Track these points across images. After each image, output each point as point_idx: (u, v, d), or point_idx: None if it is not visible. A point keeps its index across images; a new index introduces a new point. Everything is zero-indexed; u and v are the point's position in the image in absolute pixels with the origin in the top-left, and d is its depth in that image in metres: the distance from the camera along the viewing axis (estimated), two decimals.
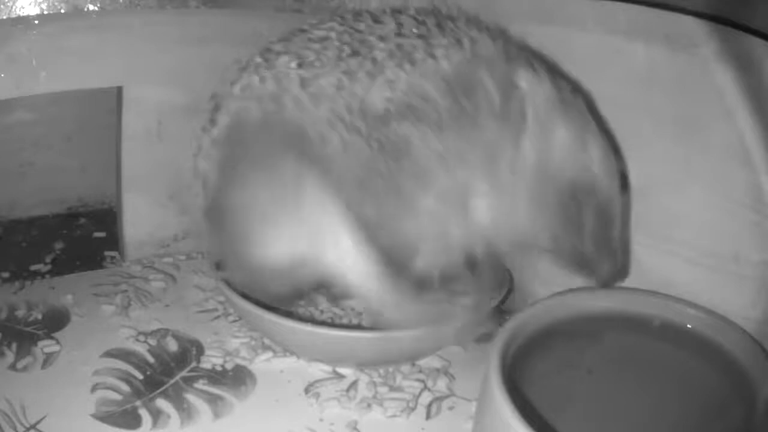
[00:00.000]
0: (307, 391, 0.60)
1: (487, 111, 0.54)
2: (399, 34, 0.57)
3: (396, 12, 0.60)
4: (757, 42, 0.52)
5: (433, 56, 0.55)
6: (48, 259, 0.79)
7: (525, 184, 0.55)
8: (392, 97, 0.55)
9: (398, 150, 0.54)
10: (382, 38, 0.57)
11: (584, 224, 0.55)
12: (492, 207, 0.56)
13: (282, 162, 0.57)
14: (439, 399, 0.61)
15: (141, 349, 0.65)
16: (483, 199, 0.56)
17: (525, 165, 0.55)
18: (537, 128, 0.54)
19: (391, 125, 0.54)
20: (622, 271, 0.60)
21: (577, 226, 0.55)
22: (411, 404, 0.59)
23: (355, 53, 0.56)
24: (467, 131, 0.55)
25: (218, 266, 0.65)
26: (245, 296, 0.64)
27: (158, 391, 0.59)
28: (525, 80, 0.54)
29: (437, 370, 0.64)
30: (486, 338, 0.70)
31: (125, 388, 0.59)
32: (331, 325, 0.68)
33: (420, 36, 0.57)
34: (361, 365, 0.63)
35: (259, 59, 0.60)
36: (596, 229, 0.55)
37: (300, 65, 0.57)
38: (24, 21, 0.69)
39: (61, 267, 0.78)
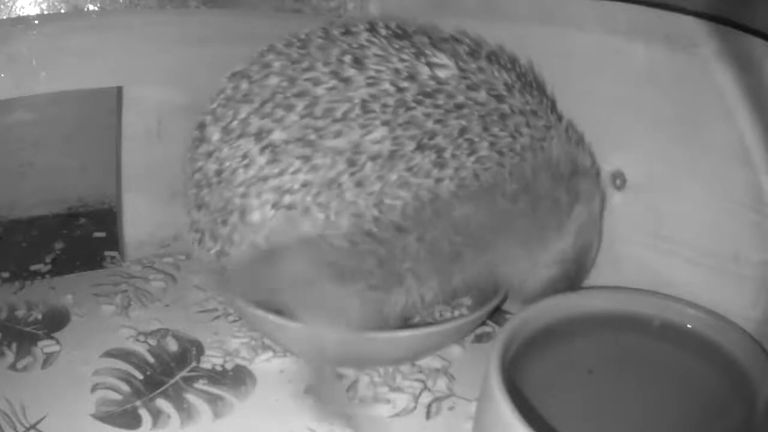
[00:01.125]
0: (307, 391, 0.60)
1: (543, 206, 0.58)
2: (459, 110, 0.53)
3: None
4: (757, 42, 0.52)
5: (499, 152, 0.54)
6: (48, 259, 0.79)
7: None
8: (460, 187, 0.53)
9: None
10: (445, 116, 0.53)
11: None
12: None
13: None
14: (439, 399, 0.61)
15: (141, 349, 0.65)
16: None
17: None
18: (577, 230, 0.61)
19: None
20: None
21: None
22: (411, 404, 0.59)
23: (420, 147, 0.52)
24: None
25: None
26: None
27: (158, 391, 0.59)
28: (586, 185, 0.60)
29: (437, 370, 0.64)
30: (486, 338, 0.70)
31: (125, 388, 0.59)
32: None
33: (484, 128, 0.54)
34: (361, 365, 0.63)
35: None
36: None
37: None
38: (24, 21, 0.69)
39: (61, 267, 0.78)
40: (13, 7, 0.69)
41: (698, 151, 0.58)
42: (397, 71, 0.53)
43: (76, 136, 0.88)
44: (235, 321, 0.70)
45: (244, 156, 0.52)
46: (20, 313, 0.69)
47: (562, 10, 0.66)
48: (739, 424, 0.49)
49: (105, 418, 0.56)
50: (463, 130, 0.53)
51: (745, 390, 0.50)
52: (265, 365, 0.63)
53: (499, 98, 0.55)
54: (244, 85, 0.55)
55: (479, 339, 0.70)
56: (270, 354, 0.64)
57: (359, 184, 0.51)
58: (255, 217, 0.52)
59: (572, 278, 0.63)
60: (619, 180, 0.65)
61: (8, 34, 0.67)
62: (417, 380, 0.62)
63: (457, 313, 0.70)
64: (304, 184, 0.51)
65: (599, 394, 0.52)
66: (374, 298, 0.56)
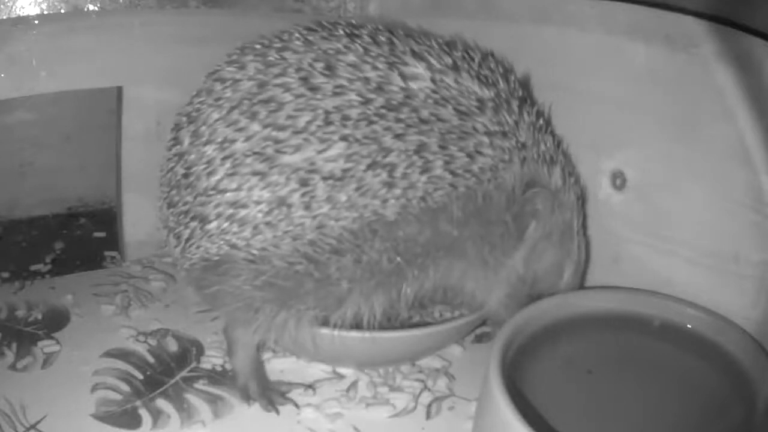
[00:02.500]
0: (307, 391, 0.60)
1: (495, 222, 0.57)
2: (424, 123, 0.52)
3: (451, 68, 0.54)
4: (757, 42, 0.52)
5: (453, 173, 0.53)
6: (48, 259, 0.79)
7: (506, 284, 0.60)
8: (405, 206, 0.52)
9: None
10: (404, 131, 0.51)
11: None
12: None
13: None
14: (439, 399, 0.61)
15: (141, 349, 0.65)
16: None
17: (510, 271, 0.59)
18: (531, 248, 0.59)
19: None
20: None
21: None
22: (411, 404, 0.59)
23: (372, 165, 0.51)
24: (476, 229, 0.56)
25: None
26: None
27: (158, 391, 0.59)
28: (542, 204, 0.57)
29: (437, 370, 0.64)
30: (486, 338, 0.70)
31: (125, 388, 0.59)
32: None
33: (442, 146, 0.52)
34: (361, 365, 0.63)
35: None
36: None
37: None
38: (24, 21, 0.69)
39: (61, 267, 0.78)
40: (13, 7, 0.69)
41: (698, 151, 0.58)
42: (367, 81, 0.52)
43: (76, 136, 0.88)
44: None
45: (208, 163, 0.52)
46: (20, 313, 0.69)
47: (562, 10, 0.66)
48: (739, 424, 0.49)
49: (105, 418, 0.56)
50: (420, 147, 0.51)
51: (745, 390, 0.50)
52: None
53: (465, 116, 0.53)
54: (218, 88, 0.54)
55: (479, 339, 0.70)
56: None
57: (307, 206, 0.51)
58: (211, 226, 0.52)
59: (530, 295, 0.60)
60: (619, 180, 0.65)
61: (8, 34, 0.67)
62: (417, 380, 0.62)
63: (457, 313, 0.70)
64: (257, 201, 0.51)
65: (599, 394, 0.52)
66: (311, 318, 0.56)
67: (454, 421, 0.58)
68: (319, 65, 0.52)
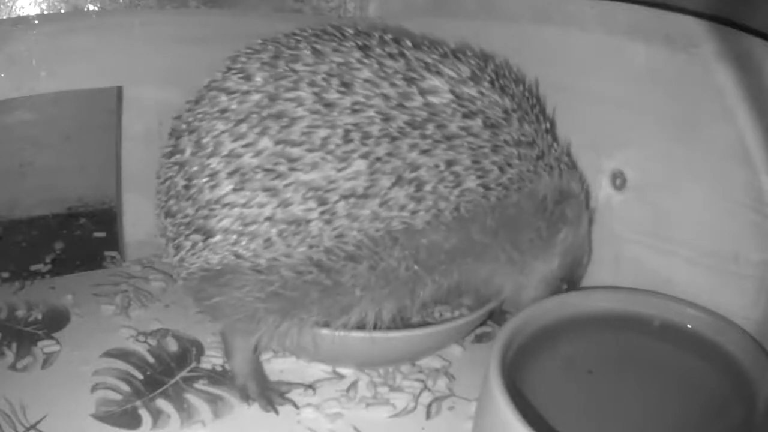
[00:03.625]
0: (307, 391, 0.60)
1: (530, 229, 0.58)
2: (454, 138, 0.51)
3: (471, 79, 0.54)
4: (757, 42, 0.52)
5: (485, 186, 0.53)
6: (48, 259, 0.79)
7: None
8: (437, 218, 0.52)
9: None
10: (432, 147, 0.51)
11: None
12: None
13: None
14: (439, 399, 0.61)
15: (141, 349, 0.65)
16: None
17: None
18: (563, 254, 0.62)
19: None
20: None
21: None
22: (411, 404, 0.59)
23: (398, 181, 0.50)
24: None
25: None
26: None
27: (158, 391, 0.59)
28: (572, 212, 0.60)
29: (437, 370, 0.64)
30: (486, 338, 0.70)
31: (125, 388, 0.59)
32: None
33: (475, 161, 0.52)
34: (361, 365, 0.63)
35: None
36: None
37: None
38: (24, 21, 0.69)
39: (61, 267, 0.78)
40: (13, 7, 0.69)
41: (698, 151, 0.58)
42: (386, 97, 0.51)
43: (76, 136, 0.88)
44: None
45: (212, 176, 0.50)
46: (20, 313, 0.69)
47: (562, 10, 0.66)
48: (739, 424, 0.49)
49: (105, 418, 0.56)
50: (450, 163, 0.51)
51: (745, 390, 0.50)
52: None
53: (494, 128, 0.53)
54: (223, 98, 0.52)
55: (479, 339, 0.70)
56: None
57: (328, 222, 0.50)
58: (216, 239, 0.51)
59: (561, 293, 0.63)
60: (619, 180, 0.65)
61: (8, 34, 0.67)
62: (417, 380, 0.62)
63: (457, 313, 0.70)
64: (270, 218, 0.49)
65: (599, 394, 0.52)
66: (313, 324, 0.56)
67: (454, 421, 0.58)
68: (334, 81, 0.51)
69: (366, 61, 0.52)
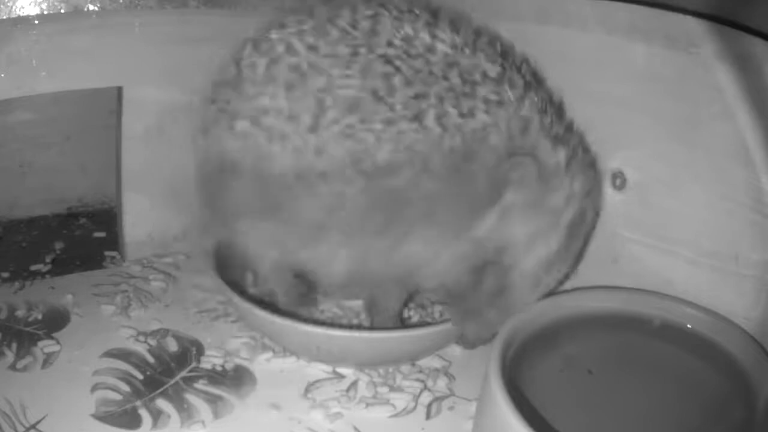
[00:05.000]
0: (307, 391, 0.60)
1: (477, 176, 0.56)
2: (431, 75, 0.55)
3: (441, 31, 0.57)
4: (757, 42, 0.52)
5: (443, 126, 0.54)
6: (48, 259, 0.79)
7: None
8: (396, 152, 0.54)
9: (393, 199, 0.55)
10: (412, 77, 0.54)
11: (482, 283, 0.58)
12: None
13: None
14: (439, 399, 0.61)
15: (141, 349, 0.65)
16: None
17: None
18: (500, 216, 0.56)
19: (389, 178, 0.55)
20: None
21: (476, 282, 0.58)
22: (411, 404, 0.59)
23: (377, 97, 0.54)
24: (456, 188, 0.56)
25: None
26: (245, 296, 0.64)
27: (158, 391, 0.59)
28: (521, 173, 0.55)
29: (437, 370, 0.64)
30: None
31: (125, 388, 0.59)
32: (331, 325, 0.68)
33: (450, 88, 0.54)
34: (361, 365, 0.63)
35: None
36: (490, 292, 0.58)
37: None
38: (24, 21, 0.69)
39: (61, 267, 0.78)
40: (13, 7, 0.69)
41: (698, 151, 0.58)
42: (398, 31, 0.56)
43: (76, 136, 0.88)
44: (235, 321, 0.70)
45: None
46: (20, 313, 0.69)
47: (562, 10, 0.66)
48: (739, 424, 0.49)
49: (105, 418, 0.56)
50: (419, 95, 0.54)
51: (745, 390, 0.50)
52: (265, 365, 0.64)
53: (468, 83, 0.55)
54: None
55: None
56: (270, 354, 0.64)
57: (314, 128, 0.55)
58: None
59: (492, 263, 0.57)
60: (619, 180, 0.65)
61: (8, 34, 0.67)
62: (417, 380, 0.62)
63: None
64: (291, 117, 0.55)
65: (599, 394, 0.52)
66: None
67: (454, 421, 0.58)
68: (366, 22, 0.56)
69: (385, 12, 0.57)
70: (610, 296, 0.60)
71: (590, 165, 0.60)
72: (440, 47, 0.56)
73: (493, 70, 0.56)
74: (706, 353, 0.55)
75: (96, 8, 0.72)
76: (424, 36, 0.56)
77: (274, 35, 0.58)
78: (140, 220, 0.79)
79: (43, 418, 0.55)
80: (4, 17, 0.69)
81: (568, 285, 0.62)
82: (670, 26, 0.57)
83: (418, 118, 0.53)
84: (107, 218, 0.86)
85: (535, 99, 0.57)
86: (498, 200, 0.55)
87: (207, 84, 0.63)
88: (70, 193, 0.90)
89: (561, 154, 0.56)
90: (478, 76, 0.56)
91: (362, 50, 0.55)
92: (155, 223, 0.80)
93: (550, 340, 0.55)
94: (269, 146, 0.56)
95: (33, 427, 0.54)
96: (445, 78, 0.55)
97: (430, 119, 0.54)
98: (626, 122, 0.63)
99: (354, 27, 0.56)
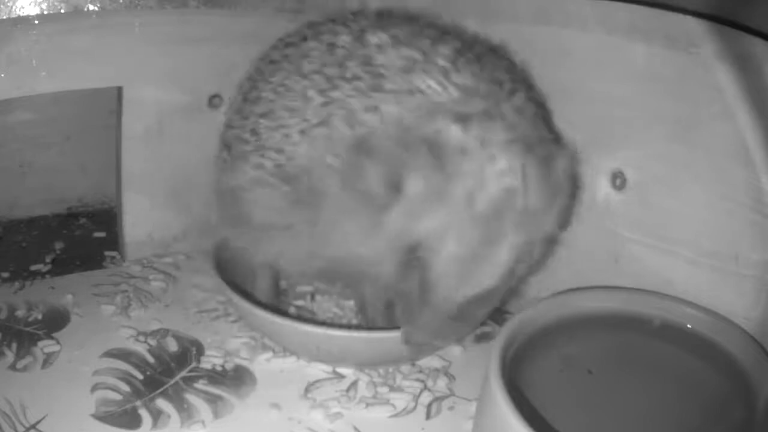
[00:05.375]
0: (307, 391, 0.60)
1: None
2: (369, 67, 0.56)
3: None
4: (757, 42, 0.52)
5: (351, 125, 0.55)
6: (48, 259, 0.79)
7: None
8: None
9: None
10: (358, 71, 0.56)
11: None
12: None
13: None
14: (439, 399, 0.61)
15: (141, 349, 0.65)
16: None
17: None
18: (406, 206, 0.54)
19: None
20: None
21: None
22: (411, 404, 0.59)
23: (293, 111, 0.58)
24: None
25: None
26: (246, 296, 0.64)
27: (158, 391, 0.59)
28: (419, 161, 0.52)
29: (437, 370, 0.64)
30: (486, 338, 0.70)
31: (125, 388, 0.59)
32: (331, 325, 0.68)
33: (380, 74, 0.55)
34: (361, 365, 0.63)
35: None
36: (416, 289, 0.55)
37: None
38: (24, 21, 0.69)
39: (61, 267, 0.78)
40: (13, 7, 0.69)
41: (698, 151, 0.58)
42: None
43: (76, 136, 0.88)
44: (235, 321, 0.70)
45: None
46: (20, 313, 0.69)
47: (562, 10, 0.66)
48: (739, 424, 0.49)
49: (105, 418, 0.56)
50: (327, 102, 0.56)
51: (745, 390, 0.50)
52: (265, 365, 0.64)
53: (377, 77, 0.56)
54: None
55: (479, 339, 0.70)
56: (270, 354, 0.64)
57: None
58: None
59: (413, 259, 0.54)
60: (619, 180, 0.65)
61: (8, 34, 0.67)
62: (417, 380, 0.62)
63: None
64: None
65: (599, 393, 0.52)
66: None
67: (454, 421, 0.58)
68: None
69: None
70: (610, 296, 0.60)
71: (539, 142, 0.54)
72: (342, 41, 0.58)
73: (402, 60, 0.56)
74: (706, 353, 0.54)
75: (96, 8, 0.72)
76: (347, 39, 0.58)
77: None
78: (140, 220, 0.79)
79: (43, 418, 0.55)
80: (4, 17, 0.69)
81: (567, 285, 0.62)
82: (670, 26, 0.57)
83: (325, 122, 0.55)
84: (107, 218, 0.86)
85: (459, 82, 0.54)
86: (398, 192, 0.52)
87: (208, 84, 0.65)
88: (70, 193, 0.91)
89: (473, 134, 0.51)
90: (383, 70, 0.55)
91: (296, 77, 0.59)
92: (155, 223, 0.80)
93: (550, 340, 0.55)
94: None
95: (33, 427, 0.54)
96: (356, 77, 0.56)
97: (338, 121, 0.55)
98: (626, 122, 0.63)
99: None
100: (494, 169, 0.51)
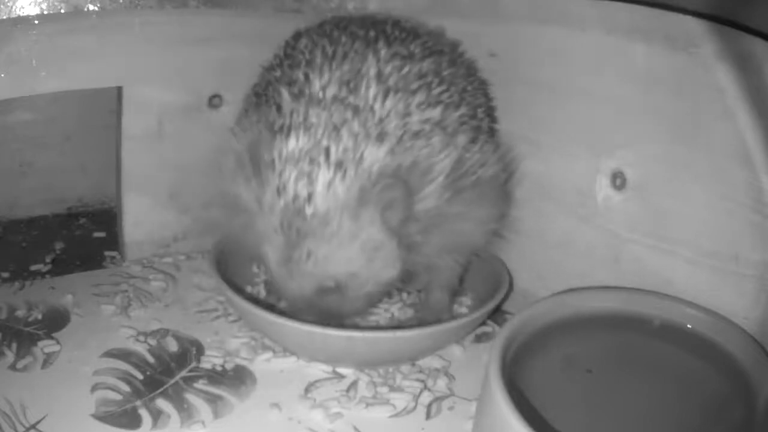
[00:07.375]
0: (307, 391, 0.60)
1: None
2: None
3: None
4: (757, 42, 0.52)
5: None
6: (48, 259, 0.79)
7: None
8: None
9: None
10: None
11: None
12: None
13: None
14: (439, 399, 0.61)
15: (141, 349, 0.65)
16: None
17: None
18: None
19: None
20: None
21: None
22: (411, 404, 0.59)
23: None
24: None
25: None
26: (245, 296, 0.64)
27: (158, 391, 0.59)
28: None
29: (437, 370, 0.64)
30: (486, 338, 0.70)
31: (125, 388, 0.59)
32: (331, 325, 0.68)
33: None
34: (361, 365, 0.63)
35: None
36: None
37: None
38: (24, 21, 0.69)
39: (61, 267, 0.78)
40: (13, 7, 0.69)
41: (698, 151, 0.58)
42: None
43: (76, 136, 0.88)
44: (235, 321, 0.70)
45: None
46: (20, 313, 0.69)
47: (562, 10, 0.66)
48: (739, 424, 0.49)
49: (105, 418, 0.56)
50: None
51: (745, 390, 0.50)
52: (265, 365, 0.63)
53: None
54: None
55: (479, 339, 0.70)
56: (270, 354, 0.64)
57: None
58: None
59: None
60: (619, 180, 0.65)
61: (8, 34, 0.67)
62: (417, 380, 0.62)
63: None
64: None
65: (599, 394, 0.52)
66: None
67: (454, 421, 0.58)
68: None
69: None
70: (610, 296, 0.60)
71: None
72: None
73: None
74: (706, 353, 0.55)
75: (96, 8, 0.72)
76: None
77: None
78: (140, 220, 0.79)
79: (43, 418, 0.55)
80: (4, 17, 0.69)
81: (570, 284, 0.62)
82: (670, 26, 0.57)
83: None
84: (107, 218, 0.86)
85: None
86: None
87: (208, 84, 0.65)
88: (70, 193, 0.91)
89: (282, 146, 0.55)
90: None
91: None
92: (155, 223, 0.80)
93: (550, 339, 0.55)
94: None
95: (33, 427, 0.54)
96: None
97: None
98: (626, 122, 0.63)
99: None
100: (283, 180, 0.55)
